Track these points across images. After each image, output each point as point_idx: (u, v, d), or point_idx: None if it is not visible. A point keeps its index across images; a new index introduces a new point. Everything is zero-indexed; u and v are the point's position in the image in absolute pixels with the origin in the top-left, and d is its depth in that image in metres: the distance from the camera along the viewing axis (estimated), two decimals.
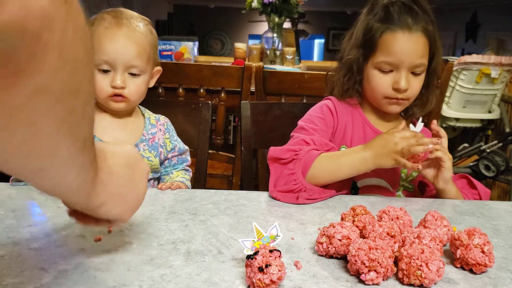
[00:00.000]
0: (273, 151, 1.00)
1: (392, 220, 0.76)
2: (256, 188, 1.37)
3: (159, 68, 1.14)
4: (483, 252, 0.67)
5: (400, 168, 1.10)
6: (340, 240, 0.69)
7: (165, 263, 0.66)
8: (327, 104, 1.12)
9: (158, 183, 1.17)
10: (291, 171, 0.95)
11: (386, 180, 1.09)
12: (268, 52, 3.30)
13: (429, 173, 1.01)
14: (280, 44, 3.33)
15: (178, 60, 3.30)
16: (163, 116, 1.20)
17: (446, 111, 2.98)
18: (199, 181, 1.29)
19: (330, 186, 0.98)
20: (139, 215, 0.83)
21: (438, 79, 1.12)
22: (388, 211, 0.77)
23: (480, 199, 1.04)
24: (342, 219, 0.78)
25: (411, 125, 1.01)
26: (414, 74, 1.04)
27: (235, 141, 2.99)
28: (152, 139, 1.14)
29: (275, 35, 3.31)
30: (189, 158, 1.21)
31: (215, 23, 10.41)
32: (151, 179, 1.15)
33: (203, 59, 3.54)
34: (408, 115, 1.16)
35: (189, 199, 0.92)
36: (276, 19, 3.31)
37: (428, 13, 1.05)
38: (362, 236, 0.72)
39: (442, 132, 1.02)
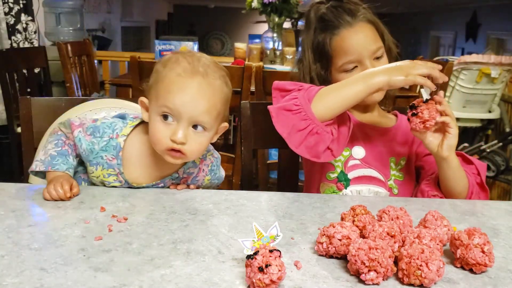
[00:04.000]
0: (278, 82, 1.03)
1: (392, 220, 0.76)
2: (256, 188, 1.37)
3: (225, 124, 1.00)
4: (483, 252, 0.67)
5: (389, 157, 1.11)
6: (340, 240, 0.69)
7: (165, 263, 0.67)
8: None
9: None
10: (294, 96, 0.97)
11: (377, 170, 1.09)
12: (268, 52, 3.30)
13: (433, 142, 0.98)
14: (280, 44, 3.33)
15: None
16: (212, 152, 1.08)
17: None
18: None
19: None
20: (139, 215, 0.83)
21: (395, 57, 1.15)
22: (388, 211, 0.77)
23: (478, 173, 1.05)
24: (342, 219, 0.78)
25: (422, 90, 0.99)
26: (377, 59, 1.07)
27: (235, 141, 2.99)
28: (185, 178, 1.03)
29: (275, 35, 3.32)
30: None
31: (215, 23, 10.42)
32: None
33: None
34: (385, 103, 1.18)
35: (189, 199, 0.92)
36: (276, 19, 3.31)
37: (358, 2, 1.09)
38: (362, 236, 0.72)
39: (445, 102, 0.98)
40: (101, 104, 1.23)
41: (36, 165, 0.97)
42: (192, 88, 0.90)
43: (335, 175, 1.09)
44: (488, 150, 2.93)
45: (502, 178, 2.93)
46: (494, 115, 3.08)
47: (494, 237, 0.80)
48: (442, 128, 0.98)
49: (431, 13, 7.05)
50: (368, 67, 1.04)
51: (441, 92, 1.00)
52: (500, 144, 2.95)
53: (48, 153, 0.98)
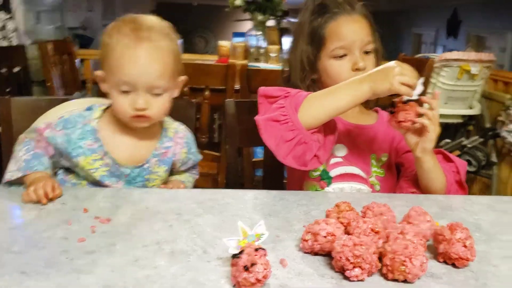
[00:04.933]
0: (264, 88, 1.03)
1: (376, 216, 0.76)
2: (241, 186, 1.36)
3: (183, 78, 1.05)
4: (465, 246, 0.68)
5: (370, 154, 1.12)
6: (325, 237, 0.69)
7: (150, 264, 0.66)
8: None
9: None
10: (281, 105, 0.97)
11: (359, 167, 1.10)
12: (252, 50, 3.30)
13: (412, 138, 1.00)
14: (264, 42, 3.33)
15: None
16: (184, 127, 1.14)
17: (428, 107, 3.01)
18: None
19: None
20: (122, 216, 0.82)
21: (380, 61, 1.15)
22: (372, 208, 0.78)
23: (458, 171, 1.06)
24: (327, 216, 0.78)
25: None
26: (366, 53, 1.08)
27: (220, 139, 2.98)
28: (165, 153, 1.08)
29: (259, 33, 3.31)
30: (198, 168, 1.20)
31: (198, 21, 10.36)
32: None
33: (187, 57, 3.52)
34: (368, 101, 1.18)
35: (173, 199, 0.92)
36: (260, 17, 3.31)
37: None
38: (347, 232, 0.73)
39: (435, 104, 0.99)
40: (83, 104, 1.21)
41: (12, 175, 0.95)
42: (141, 57, 0.94)
43: (318, 173, 1.09)
44: (469, 146, 2.96)
45: (483, 173, 2.98)
46: (475, 111, 3.12)
47: (476, 232, 0.81)
48: (422, 129, 0.99)
49: (412, 11, 7.12)
50: (357, 58, 1.06)
51: (437, 92, 1.01)
52: (481, 139, 2.99)
53: (22, 159, 0.96)
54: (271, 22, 3.50)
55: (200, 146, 2.18)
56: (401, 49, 7.04)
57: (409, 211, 0.78)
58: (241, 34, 5.34)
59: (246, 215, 0.85)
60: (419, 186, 1.05)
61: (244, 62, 2.13)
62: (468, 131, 3.33)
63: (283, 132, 0.94)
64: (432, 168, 1.00)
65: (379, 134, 1.14)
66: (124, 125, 1.02)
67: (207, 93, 2.08)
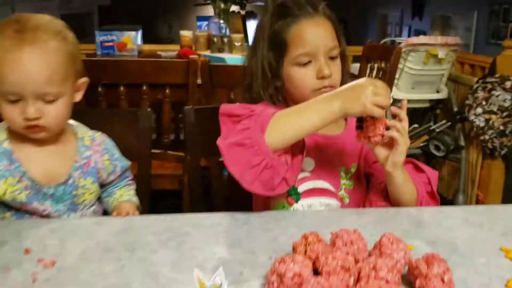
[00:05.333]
0: (225, 107, 0.95)
1: (346, 245, 0.71)
2: (207, 203, 1.27)
3: (84, 80, 0.97)
4: (442, 281, 0.63)
5: (339, 166, 1.05)
6: (292, 278, 0.63)
7: None
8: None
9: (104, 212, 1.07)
10: (245, 126, 0.89)
11: (327, 181, 1.04)
12: (215, 39, 3.18)
13: (382, 152, 0.94)
14: (227, 30, 3.22)
15: (121, 51, 3.14)
16: (100, 133, 1.06)
17: (395, 93, 2.99)
18: (143, 199, 1.18)
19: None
20: (69, 256, 0.74)
21: (347, 65, 1.10)
22: (342, 236, 0.72)
23: (429, 182, 1.02)
24: (294, 249, 0.72)
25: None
26: (331, 59, 1.01)
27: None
28: (87, 163, 1.00)
29: (221, 21, 3.20)
30: (130, 173, 1.12)
31: (161, 7, 10.09)
32: (92, 206, 1.03)
33: (148, 47, 3.39)
34: None
35: (127, 230, 0.84)
36: (222, 5, 3.20)
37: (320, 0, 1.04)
38: (315, 268, 0.67)
39: (403, 115, 0.94)
40: None
41: None
42: (24, 61, 0.84)
43: None
44: (437, 130, 2.97)
45: (452, 157, 2.99)
46: (442, 95, 3.12)
47: (452, 253, 0.76)
48: (391, 142, 0.93)
49: None
50: (322, 65, 0.98)
51: (404, 102, 0.95)
52: (449, 123, 3.00)
53: None
54: (234, 8, 3.40)
55: (164, 146, 2.11)
56: (367, 31, 7.03)
57: (381, 238, 0.72)
58: (205, 18, 5.20)
59: (207, 248, 0.77)
60: (389, 199, 1.00)
61: (206, 58, 2.02)
62: (435, 115, 3.34)
63: (249, 157, 0.86)
64: (403, 182, 0.95)
65: (347, 144, 1.08)
66: (37, 141, 0.93)
67: (167, 91, 1.98)
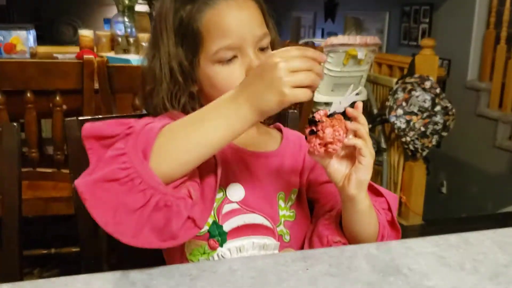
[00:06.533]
0: (90, 126, 0.67)
1: None
2: (109, 241, 0.98)
3: None
4: None
5: (277, 193, 0.82)
6: None
7: None
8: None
9: None
10: (119, 151, 0.62)
11: (262, 215, 0.79)
12: (120, 39, 2.86)
13: (338, 171, 0.71)
14: (133, 30, 2.91)
15: (9, 53, 2.71)
16: None
17: (315, 96, 2.87)
18: (10, 243, 0.88)
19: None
20: None
21: None
22: None
23: (389, 206, 0.81)
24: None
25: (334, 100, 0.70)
26: (262, 50, 0.77)
27: None
28: None
29: (126, 19, 2.88)
30: None
31: (64, 7, 9.40)
32: None
33: (44, 49, 2.98)
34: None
35: None
36: (126, 2, 2.88)
37: None
38: None
39: (362, 119, 0.71)
40: None
41: None
42: None
43: (206, 228, 0.76)
44: None
45: (374, 160, 2.93)
46: (362, 97, 3.05)
47: None
48: (352, 154, 0.71)
49: None
50: (252, 60, 0.74)
51: (359, 104, 0.71)
52: (370, 126, 2.93)
53: None
54: (141, 7, 3.09)
55: (56, 165, 1.77)
56: (282, 33, 6.98)
57: None
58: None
59: None
60: (342, 231, 0.78)
61: (103, 58, 1.72)
62: None
63: (126, 196, 0.59)
64: (368, 209, 0.73)
65: (286, 162, 0.84)
66: None
67: (58, 98, 1.65)
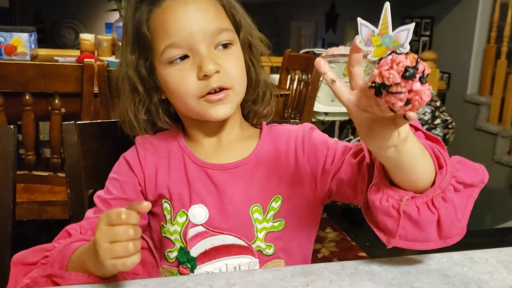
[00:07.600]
0: (20, 254, 0.67)
1: None
2: None
3: None
4: None
5: (249, 207, 0.74)
6: None
7: None
8: (125, 156, 0.79)
9: None
10: (30, 280, 0.63)
11: (232, 234, 0.73)
12: (120, 44, 2.86)
13: (392, 130, 0.55)
14: None
15: (10, 55, 2.71)
16: None
17: (315, 105, 2.87)
18: (2, 248, 0.86)
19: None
20: None
21: (260, 55, 0.80)
22: None
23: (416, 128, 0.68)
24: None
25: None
26: (224, 47, 0.73)
27: None
28: None
29: None
30: None
31: (66, 11, 9.43)
32: None
33: (45, 52, 2.98)
34: (248, 119, 0.82)
35: None
36: None
37: None
38: None
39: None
40: None
41: None
42: None
43: (175, 254, 0.74)
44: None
45: None
46: None
47: None
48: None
49: (291, 3, 7.11)
50: (203, 59, 0.70)
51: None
52: None
53: None
54: None
55: (52, 168, 1.75)
56: (282, 43, 7.01)
57: None
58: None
59: None
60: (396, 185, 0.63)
61: (103, 62, 1.71)
62: (354, 129, 3.27)
63: None
64: (418, 143, 0.61)
65: (261, 169, 0.76)
66: None
67: (57, 101, 1.64)
